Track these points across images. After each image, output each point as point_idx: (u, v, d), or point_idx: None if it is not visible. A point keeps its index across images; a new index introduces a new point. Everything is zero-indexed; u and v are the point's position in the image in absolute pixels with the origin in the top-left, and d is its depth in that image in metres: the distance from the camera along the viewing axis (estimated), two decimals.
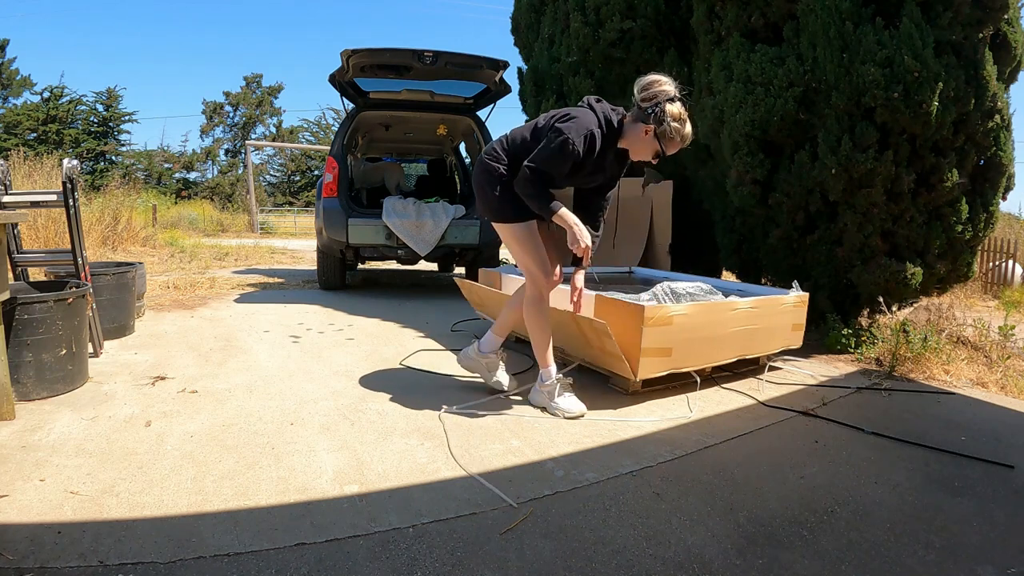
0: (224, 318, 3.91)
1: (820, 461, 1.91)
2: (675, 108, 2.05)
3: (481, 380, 2.54)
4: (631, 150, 2.18)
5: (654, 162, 2.18)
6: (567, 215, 2.06)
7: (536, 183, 2.03)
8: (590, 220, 2.33)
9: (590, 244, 2.10)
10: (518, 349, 3.19)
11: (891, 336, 3.20)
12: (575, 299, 2.35)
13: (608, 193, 2.37)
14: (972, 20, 3.11)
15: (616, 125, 2.14)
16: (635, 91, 2.10)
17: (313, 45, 63.33)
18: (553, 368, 2.31)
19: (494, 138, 2.52)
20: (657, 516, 1.54)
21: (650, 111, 2.04)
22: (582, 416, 2.23)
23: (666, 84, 2.07)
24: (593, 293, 2.58)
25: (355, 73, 4.60)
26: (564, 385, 2.29)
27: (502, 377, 2.49)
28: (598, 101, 2.18)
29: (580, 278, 2.37)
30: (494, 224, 2.27)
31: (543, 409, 2.29)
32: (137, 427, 1.99)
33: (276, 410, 2.20)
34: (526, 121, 2.32)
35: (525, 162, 2.05)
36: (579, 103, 2.21)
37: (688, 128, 2.08)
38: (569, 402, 2.25)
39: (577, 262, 2.35)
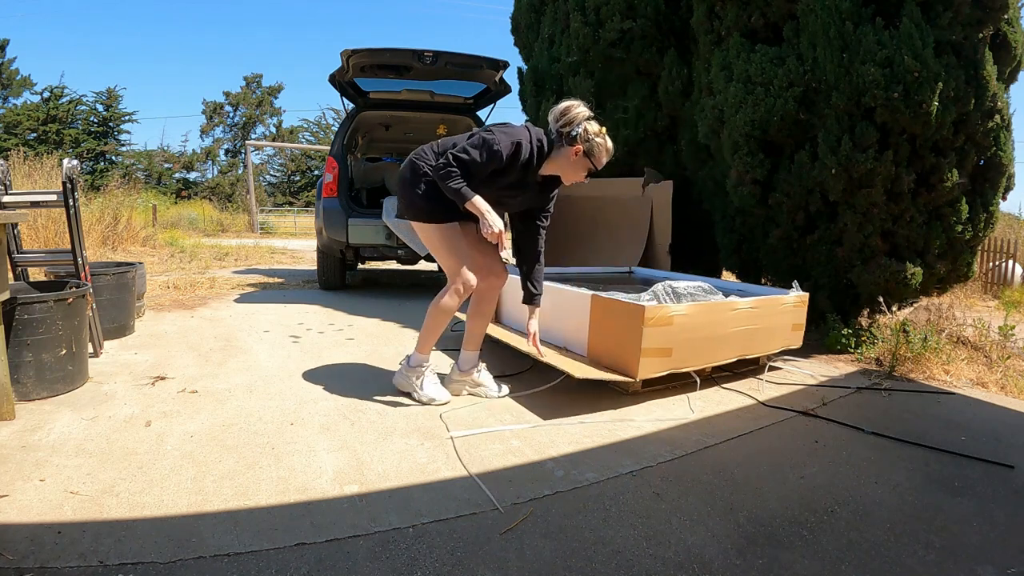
0: (224, 318, 3.91)
1: (820, 461, 1.91)
2: (594, 126, 2.18)
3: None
4: (563, 174, 2.26)
5: (586, 181, 2.28)
6: (479, 202, 2.12)
7: (454, 169, 2.08)
8: (529, 248, 2.39)
9: (501, 228, 2.18)
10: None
11: (891, 336, 3.20)
12: (532, 343, 2.41)
13: (541, 226, 2.39)
14: (972, 20, 3.11)
15: (547, 147, 2.21)
16: (551, 120, 2.22)
17: (313, 45, 63.40)
18: (428, 357, 2.36)
19: None
20: (657, 516, 1.54)
21: (574, 133, 2.16)
22: (447, 403, 2.30)
23: (580, 106, 2.20)
24: (590, 293, 2.58)
25: (355, 73, 4.60)
26: (431, 372, 2.35)
27: (491, 385, 2.46)
28: (535, 126, 2.27)
29: (534, 323, 2.41)
30: (417, 225, 2.28)
31: (408, 395, 2.35)
32: (137, 427, 1.99)
33: (276, 410, 2.20)
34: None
35: (448, 153, 2.11)
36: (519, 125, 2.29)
37: (609, 141, 2.22)
38: (435, 390, 2.32)
39: (529, 299, 2.39)
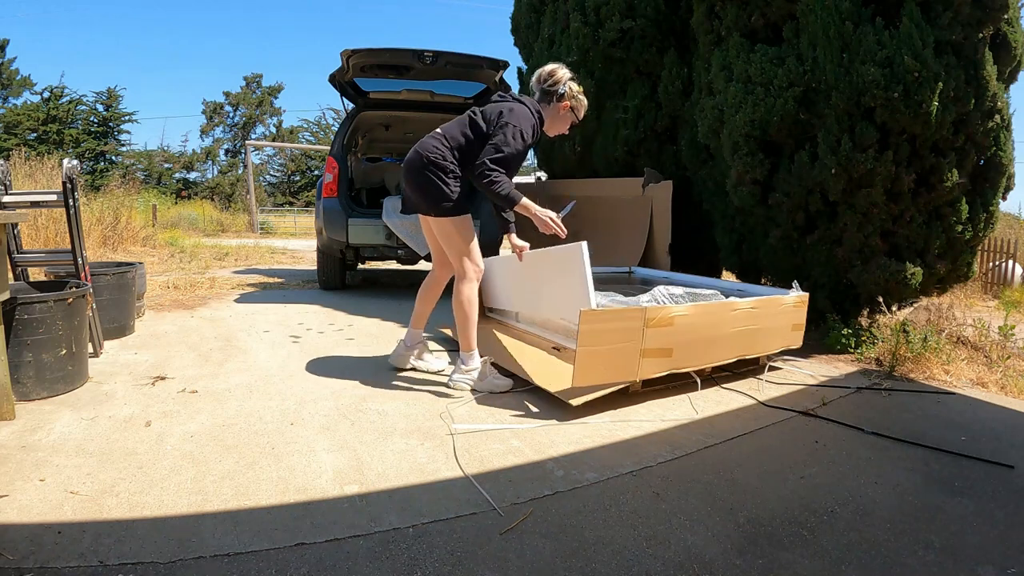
0: (224, 318, 3.91)
1: (820, 461, 1.91)
2: (575, 84, 2.46)
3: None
4: (551, 128, 2.51)
5: (567, 132, 2.55)
6: (528, 203, 2.30)
7: (499, 173, 2.25)
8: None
9: (556, 219, 2.33)
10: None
11: (891, 336, 3.20)
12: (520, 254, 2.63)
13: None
14: (972, 20, 3.11)
15: (543, 115, 2.44)
16: (535, 82, 2.47)
17: (313, 45, 63.38)
18: (476, 351, 2.50)
19: None
20: (657, 516, 1.54)
21: (561, 91, 2.43)
22: (509, 390, 2.45)
23: (563, 68, 2.46)
24: None
25: (355, 73, 4.60)
26: (487, 364, 2.49)
27: (431, 361, 2.75)
28: (525, 97, 2.45)
29: (518, 239, 2.61)
30: (442, 219, 2.40)
31: (472, 390, 2.46)
32: (137, 427, 1.99)
33: (276, 410, 2.20)
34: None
35: (486, 162, 2.23)
36: (503, 98, 2.43)
37: (585, 98, 2.51)
38: (499, 380, 2.47)
39: (506, 227, 2.59)
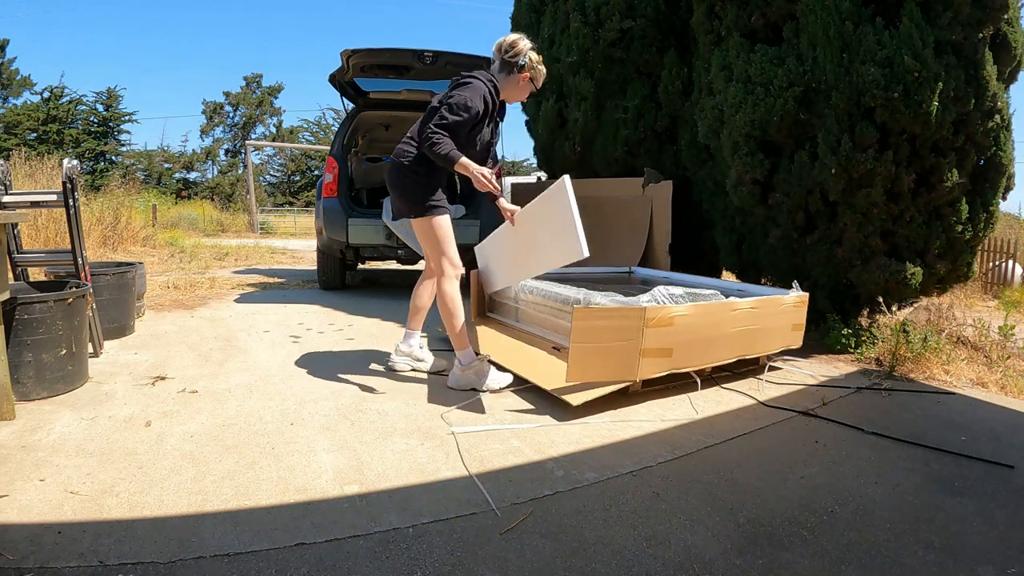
0: (224, 318, 3.91)
1: (820, 461, 1.91)
2: (535, 55, 2.47)
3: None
4: (510, 97, 2.55)
5: (525, 100, 2.61)
6: (467, 162, 2.32)
7: (441, 136, 2.28)
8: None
9: (491, 176, 2.39)
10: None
11: (891, 336, 3.20)
12: (512, 218, 2.60)
13: (491, 150, 2.64)
14: (972, 20, 3.10)
15: (496, 82, 2.46)
16: (498, 51, 2.47)
17: (313, 45, 63.38)
18: (471, 349, 2.51)
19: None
20: (657, 516, 1.54)
21: (522, 62, 2.44)
22: (509, 389, 2.48)
23: (524, 39, 2.48)
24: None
25: (355, 73, 4.60)
26: (484, 361, 2.49)
27: (430, 359, 2.78)
28: (482, 72, 2.47)
29: (509, 203, 2.63)
30: (420, 219, 2.45)
31: (472, 389, 2.46)
32: (137, 427, 1.99)
33: (276, 410, 2.20)
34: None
35: (431, 126, 2.27)
36: (460, 77, 2.45)
37: (544, 67, 2.54)
38: (499, 377, 2.50)
39: (495, 199, 2.61)
